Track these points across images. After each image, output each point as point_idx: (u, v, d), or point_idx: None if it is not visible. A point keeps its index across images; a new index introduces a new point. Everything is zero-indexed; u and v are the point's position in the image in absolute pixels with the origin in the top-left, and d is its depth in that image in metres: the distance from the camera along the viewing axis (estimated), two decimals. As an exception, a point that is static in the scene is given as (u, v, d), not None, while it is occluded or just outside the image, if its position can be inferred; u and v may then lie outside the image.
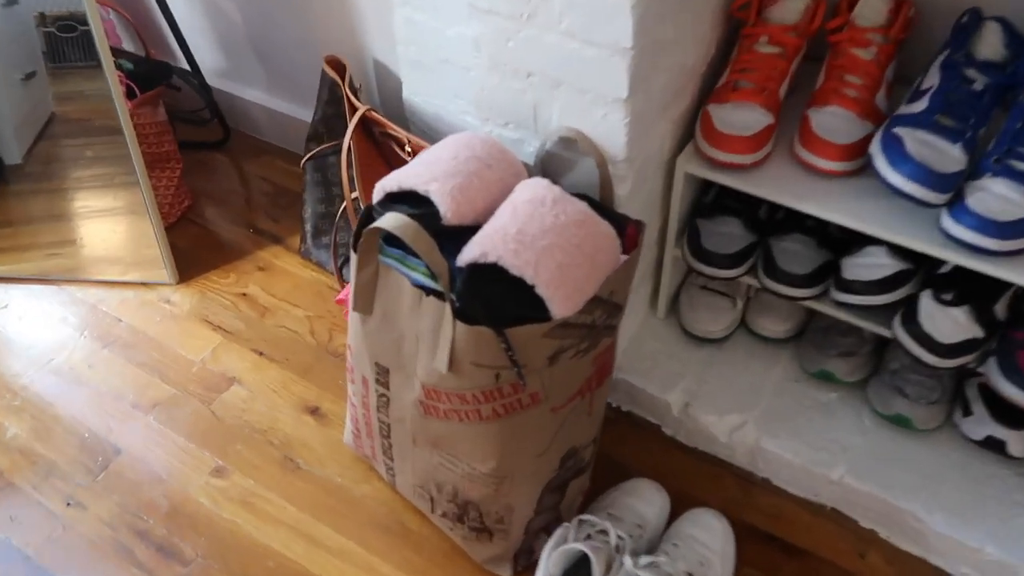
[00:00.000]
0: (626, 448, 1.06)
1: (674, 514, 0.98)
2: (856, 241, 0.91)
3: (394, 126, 1.17)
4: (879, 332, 0.91)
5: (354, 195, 1.21)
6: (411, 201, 0.76)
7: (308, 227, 1.31)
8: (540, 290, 0.68)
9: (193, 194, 1.45)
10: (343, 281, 1.27)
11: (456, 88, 1.17)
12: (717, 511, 0.96)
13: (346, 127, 1.23)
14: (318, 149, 1.29)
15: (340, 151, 1.30)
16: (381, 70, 1.30)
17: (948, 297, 0.84)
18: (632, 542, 0.90)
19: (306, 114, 1.45)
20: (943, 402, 0.96)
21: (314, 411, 1.11)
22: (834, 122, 0.87)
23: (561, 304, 0.69)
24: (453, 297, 0.69)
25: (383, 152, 1.24)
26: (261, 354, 1.19)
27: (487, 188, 0.75)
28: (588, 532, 0.89)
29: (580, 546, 0.83)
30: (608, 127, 0.80)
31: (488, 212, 0.76)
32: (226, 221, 1.42)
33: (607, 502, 0.97)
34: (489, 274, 0.69)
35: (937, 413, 0.96)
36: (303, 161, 1.31)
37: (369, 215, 0.80)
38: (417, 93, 1.24)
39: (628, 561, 0.84)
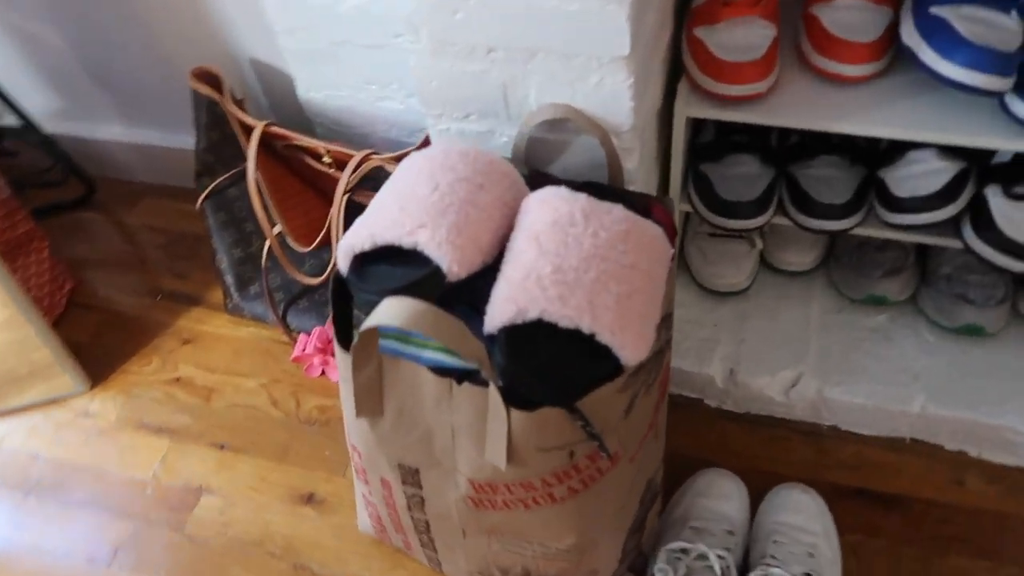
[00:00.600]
0: (672, 432, 0.93)
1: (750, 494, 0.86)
2: (893, 147, 0.78)
3: (301, 136, 0.96)
4: (946, 245, 0.79)
5: (276, 230, 1.00)
6: (392, 258, 0.57)
7: (229, 279, 1.09)
8: (604, 338, 0.52)
9: (73, 271, 1.20)
10: (291, 332, 1.06)
11: (366, 72, 0.96)
12: (802, 485, 0.85)
13: (240, 151, 1.00)
14: (214, 185, 1.06)
15: (242, 181, 1.07)
16: (263, 71, 1.06)
17: (1022, 191, 0.72)
18: (732, 556, 0.78)
19: (179, 141, 1.20)
20: (1008, 297, 0.86)
21: (309, 499, 0.93)
22: (850, 16, 0.72)
23: (633, 347, 0.53)
24: (496, 379, 0.52)
25: (294, 168, 1.02)
26: (223, 447, 0.99)
27: (487, 216, 0.57)
28: (686, 565, 0.75)
29: (691, 593, 0.70)
30: (606, 94, 0.62)
31: (495, 246, 0.58)
32: (125, 293, 1.18)
33: (682, 510, 0.84)
34: (533, 334, 0.52)
35: (1005, 311, 0.86)
36: (199, 202, 1.07)
37: (341, 288, 0.61)
38: (316, 88, 1.02)
39: (747, 590, 0.71)
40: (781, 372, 0.90)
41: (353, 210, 0.99)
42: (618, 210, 0.56)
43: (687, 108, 0.75)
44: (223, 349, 1.09)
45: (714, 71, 0.71)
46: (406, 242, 0.56)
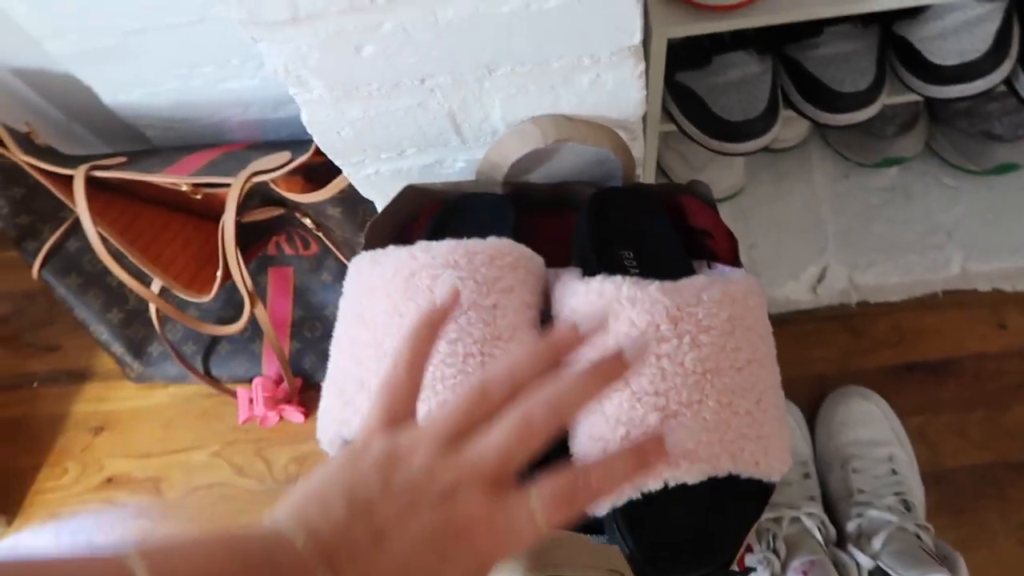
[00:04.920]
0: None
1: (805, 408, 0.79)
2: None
3: (142, 175, 0.70)
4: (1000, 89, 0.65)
5: (156, 286, 0.77)
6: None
7: (117, 348, 0.86)
8: (747, 473, 0.38)
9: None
10: (221, 384, 0.87)
11: (186, 57, 0.69)
12: (859, 390, 0.77)
13: (55, 198, 0.74)
14: (48, 248, 0.80)
15: (78, 231, 0.81)
16: (41, 82, 0.76)
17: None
18: (818, 505, 0.71)
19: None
20: (1032, 119, 0.75)
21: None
22: None
23: (780, 461, 0.39)
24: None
25: (147, 194, 0.77)
26: (201, 545, 0.83)
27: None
28: (783, 539, 0.68)
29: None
30: (607, 90, 0.42)
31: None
32: (-10, 394, 0.93)
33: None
34: (656, 499, 0.37)
35: (1032, 135, 0.75)
36: (36, 273, 0.82)
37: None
38: (124, 90, 0.74)
39: (863, 558, 0.65)
40: (805, 271, 0.79)
41: (249, 234, 0.77)
42: (699, 282, 0.39)
43: (666, 28, 0.55)
44: (148, 426, 0.89)
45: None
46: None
